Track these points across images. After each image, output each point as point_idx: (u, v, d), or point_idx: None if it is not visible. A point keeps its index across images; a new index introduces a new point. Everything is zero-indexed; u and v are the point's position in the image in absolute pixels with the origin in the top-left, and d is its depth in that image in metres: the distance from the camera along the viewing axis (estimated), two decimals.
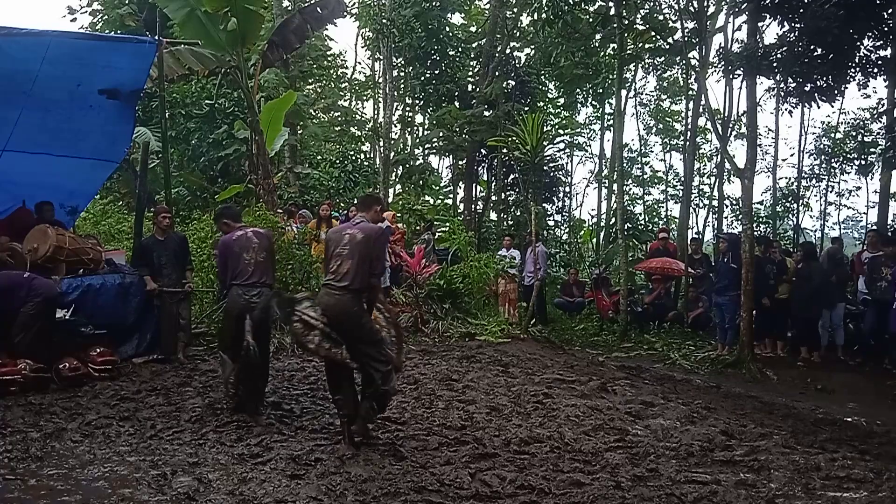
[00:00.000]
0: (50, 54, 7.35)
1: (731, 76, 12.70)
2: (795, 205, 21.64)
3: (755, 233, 11.02)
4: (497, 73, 19.30)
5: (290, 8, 18.20)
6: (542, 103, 22.03)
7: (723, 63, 11.53)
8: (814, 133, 22.40)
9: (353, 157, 22.39)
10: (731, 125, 16.70)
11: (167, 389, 6.56)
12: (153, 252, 8.05)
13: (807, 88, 10.24)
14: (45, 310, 6.66)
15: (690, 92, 16.88)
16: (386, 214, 12.22)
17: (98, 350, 7.01)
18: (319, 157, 22.21)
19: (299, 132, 19.70)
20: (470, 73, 22.08)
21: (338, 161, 21.32)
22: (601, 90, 22.80)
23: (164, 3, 11.37)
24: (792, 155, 24.46)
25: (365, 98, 28.12)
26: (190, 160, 17.88)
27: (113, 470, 4.43)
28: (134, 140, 10.45)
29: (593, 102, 24.96)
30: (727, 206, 22.25)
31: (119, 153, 9.40)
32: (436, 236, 14.62)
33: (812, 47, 9.77)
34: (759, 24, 10.89)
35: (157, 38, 8.66)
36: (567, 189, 24.22)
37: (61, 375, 6.46)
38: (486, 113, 19.07)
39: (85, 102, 8.13)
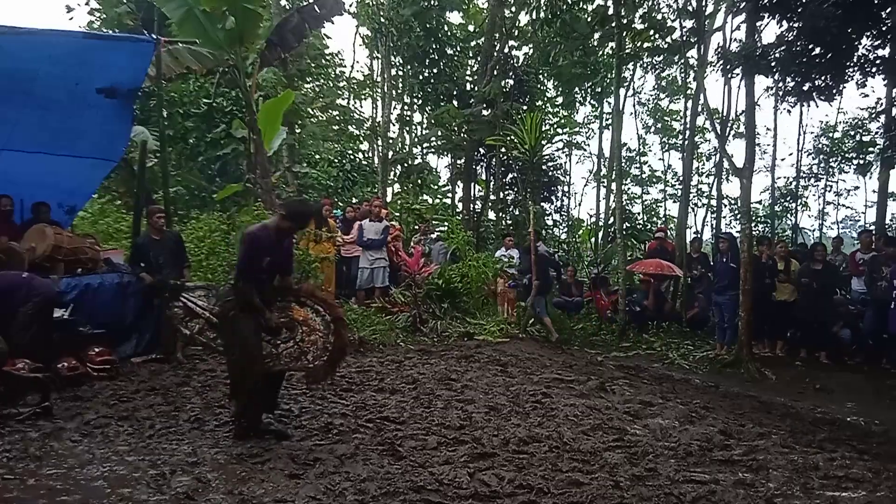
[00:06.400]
0: (48, 53, 7.36)
1: (729, 75, 12.70)
2: (794, 204, 21.67)
3: (753, 232, 11.04)
4: (495, 72, 19.30)
5: (288, 7, 18.19)
6: (540, 102, 22.02)
7: (721, 62, 11.54)
8: (812, 132, 22.48)
9: (352, 157, 22.40)
10: (729, 124, 16.69)
11: (166, 389, 6.55)
12: (150, 251, 8.05)
13: (805, 88, 10.26)
14: (43, 310, 6.65)
15: (689, 91, 16.89)
16: (383, 213, 12.25)
17: (97, 350, 7.00)
18: (318, 157, 22.21)
19: (297, 131, 19.69)
20: (468, 72, 22.08)
21: (336, 160, 21.33)
22: (600, 89, 22.84)
23: (162, 2, 11.34)
24: (790, 154, 24.54)
25: (363, 97, 28.09)
26: (188, 159, 17.86)
27: (112, 469, 4.42)
28: (132, 139, 10.43)
29: (592, 101, 25.00)
30: (726, 206, 22.30)
31: (117, 152, 9.39)
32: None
33: (810, 46, 9.78)
34: (758, 24, 10.90)
35: (155, 36, 8.65)
36: (565, 188, 24.22)
37: (60, 375, 6.45)
38: (485, 112, 19.07)
39: (83, 101, 8.12)
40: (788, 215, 22.07)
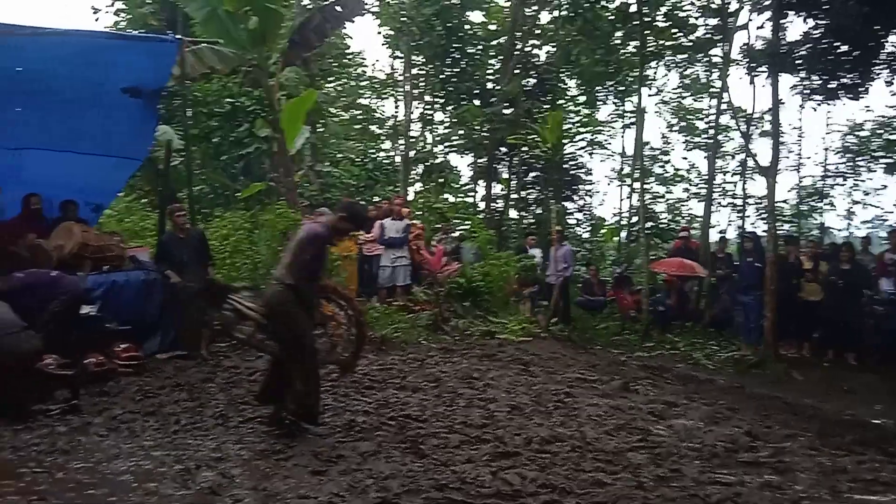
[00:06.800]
0: (74, 53, 7.44)
1: (754, 73, 12.56)
2: (820, 203, 21.39)
3: (779, 232, 10.91)
4: (517, 71, 19.23)
5: (310, 6, 18.26)
6: (562, 101, 21.90)
7: (746, 60, 11.44)
8: (839, 130, 22.12)
9: (374, 156, 22.43)
10: (754, 123, 16.53)
11: (191, 385, 6.61)
12: (174, 249, 8.13)
13: (831, 85, 10.13)
14: (71, 307, 6.74)
15: (713, 89, 16.75)
16: (404, 212, 12.26)
17: (123, 346, 7.09)
18: (340, 155, 22.27)
19: (320, 130, 19.76)
20: (490, 71, 22.01)
21: (358, 159, 21.37)
22: (622, 88, 22.66)
23: (186, 3, 11.48)
24: (817, 153, 24.20)
25: (385, 96, 28.14)
26: (212, 158, 17.98)
27: (138, 464, 4.47)
28: (157, 138, 10.54)
29: (614, 100, 24.80)
30: (751, 205, 22.04)
31: (142, 151, 9.49)
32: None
33: (836, 44, 9.67)
34: (783, 21, 10.76)
35: (178, 37, 8.72)
36: (588, 187, 24.03)
37: (87, 371, 6.53)
38: (506, 111, 19.00)
39: (109, 101, 8.20)
40: (815, 214, 21.78)
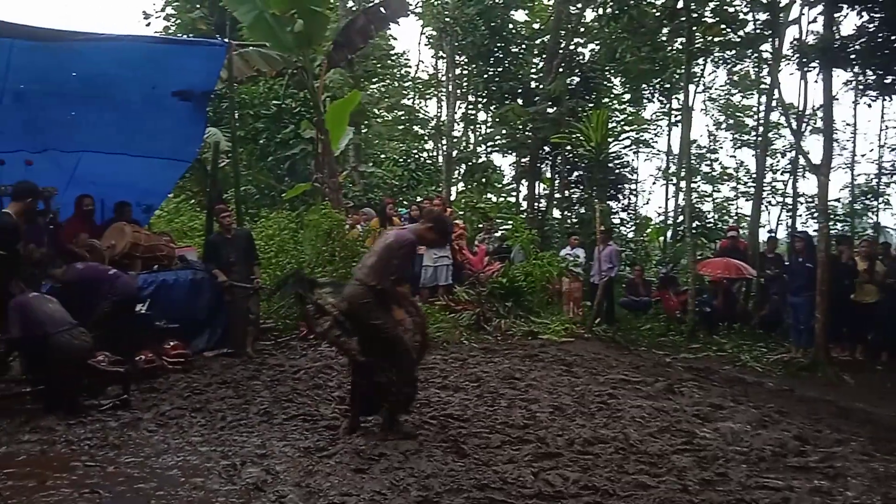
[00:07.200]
0: (126, 58, 7.63)
1: (805, 69, 12.25)
2: (875, 202, 20.76)
3: (831, 231, 10.62)
4: (561, 70, 19.09)
5: (354, 8, 18.46)
6: (606, 99, 21.67)
7: (797, 55, 11.17)
8: (895, 127, 21.45)
9: (416, 156, 22.56)
10: (805, 120, 16.11)
11: (237, 382, 6.73)
12: (221, 249, 8.28)
13: (887, 81, 9.82)
14: (125, 305, 6.94)
15: (763, 86, 16.39)
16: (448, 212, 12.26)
17: (171, 343, 7.26)
18: (383, 156, 22.47)
19: (363, 131, 19.96)
20: (533, 70, 21.90)
21: (401, 159, 21.53)
22: (668, 85, 22.31)
23: (234, 7, 11.68)
24: (871, 150, 23.49)
25: (428, 96, 28.26)
26: (258, 159, 18.32)
27: (185, 459, 4.57)
28: (205, 140, 10.75)
29: (660, 98, 24.45)
30: (801, 204, 21.50)
31: (191, 153, 9.68)
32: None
33: (892, 38, 9.36)
34: (836, 15, 10.46)
35: (226, 40, 8.88)
36: (633, 186, 23.77)
37: (138, 368, 6.70)
38: (550, 110, 18.86)
39: (159, 104, 8.39)
40: (869, 213, 21.14)
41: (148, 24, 21.50)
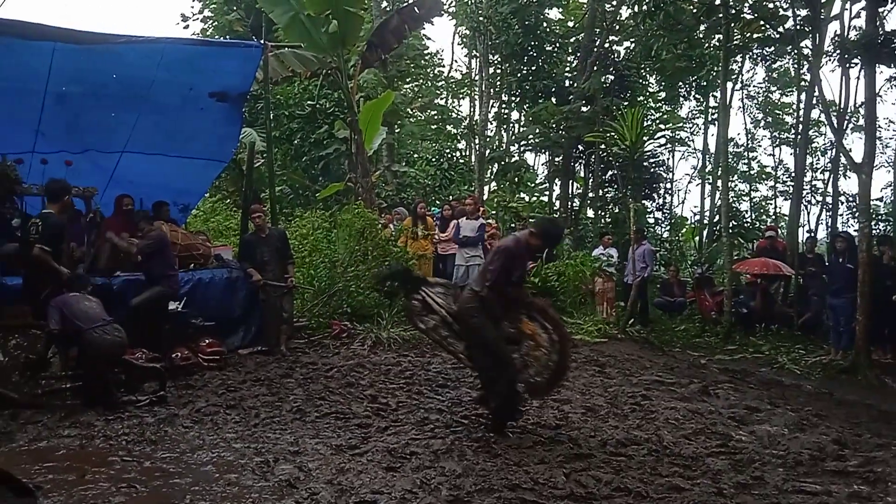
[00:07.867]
0: (164, 60, 7.75)
1: (847, 65, 11.95)
2: None
3: (874, 231, 10.36)
4: (595, 68, 18.94)
5: (388, 8, 18.52)
6: (641, 98, 21.45)
7: (838, 52, 10.90)
8: None
9: (449, 155, 22.55)
10: (847, 117, 15.73)
11: (270, 380, 6.81)
12: (255, 248, 8.38)
13: None
14: (161, 303, 7.08)
15: (803, 83, 16.01)
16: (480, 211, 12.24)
17: (207, 341, 7.36)
18: (416, 156, 22.51)
19: (397, 131, 20.01)
20: (567, 69, 21.77)
21: (434, 159, 21.54)
22: (705, 83, 21.96)
23: (270, 8, 11.81)
24: None
25: (461, 96, 28.24)
26: (293, 159, 18.52)
27: (220, 455, 4.64)
28: (241, 140, 10.89)
29: (696, 96, 24.09)
30: (842, 203, 21.01)
31: (227, 153, 9.82)
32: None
33: None
34: (880, 9, 10.20)
35: (262, 42, 8.97)
36: (668, 185, 23.48)
37: (174, 365, 6.82)
38: (584, 108, 18.74)
39: (196, 105, 8.52)
40: None
41: (186, 27, 21.88)
